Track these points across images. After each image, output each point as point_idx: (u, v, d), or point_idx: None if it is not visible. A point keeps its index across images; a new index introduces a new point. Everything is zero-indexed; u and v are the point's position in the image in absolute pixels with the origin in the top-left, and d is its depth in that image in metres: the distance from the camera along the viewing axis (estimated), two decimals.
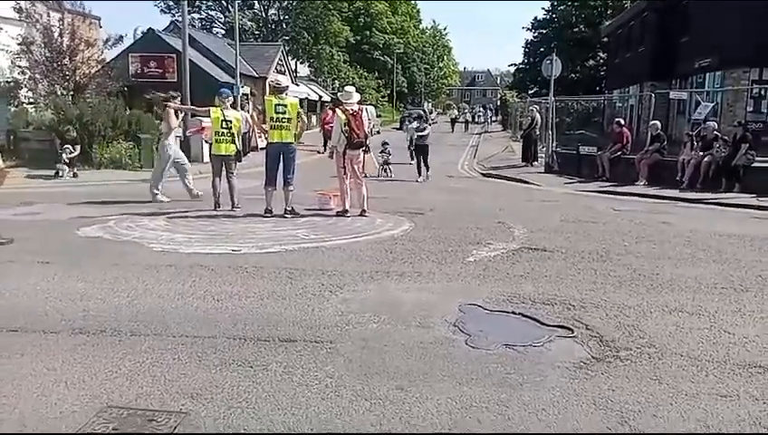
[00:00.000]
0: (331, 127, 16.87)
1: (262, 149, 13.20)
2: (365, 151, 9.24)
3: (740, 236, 7.81)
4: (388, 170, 15.55)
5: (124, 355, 3.84)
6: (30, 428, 3.01)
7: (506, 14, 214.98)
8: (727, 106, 19.66)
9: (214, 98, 9.98)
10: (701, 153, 12.68)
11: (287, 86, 9.70)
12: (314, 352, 3.91)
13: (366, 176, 9.68)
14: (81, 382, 3.48)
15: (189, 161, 17.30)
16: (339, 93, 9.88)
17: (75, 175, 14.58)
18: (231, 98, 10.02)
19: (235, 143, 9.74)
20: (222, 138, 9.63)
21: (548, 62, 18.58)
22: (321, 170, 14.16)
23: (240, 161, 10.14)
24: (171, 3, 42.74)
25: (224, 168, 9.71)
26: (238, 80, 21.45)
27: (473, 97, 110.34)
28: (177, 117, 10.79)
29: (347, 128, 8.94)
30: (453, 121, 46.57)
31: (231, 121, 9.65)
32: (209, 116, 9.77)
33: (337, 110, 9.54)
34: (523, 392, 3.40)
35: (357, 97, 9.44)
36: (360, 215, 9.03)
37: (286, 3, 45.50)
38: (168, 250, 6.83)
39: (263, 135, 11.01)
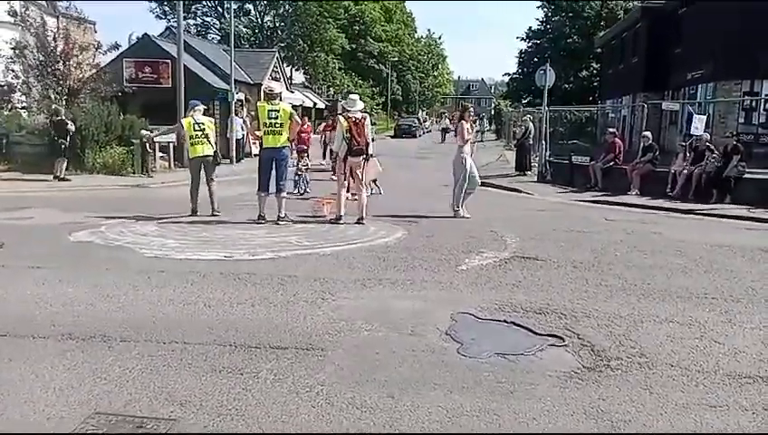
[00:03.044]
0: (308, 136, 16.95)
1: (255, 155, 13.22)
2: (366, 159, 9.26)
3: (731, 247, 7.85)
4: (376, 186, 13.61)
5: (113, 361, 3.82)
6: (17, 434, 2.98)
7: (501, 25, 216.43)
8: (719, 117, 19.77)
9: (209, 104, 10.13)
10: (692, 165, 12.77)
11: (280, 92, 9.73)
12: (305, 360, 3.90)
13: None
14: (70, 388, 3.45)
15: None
16: (343, 101, 9.96)
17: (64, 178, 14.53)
18: (201, 107, 10.17)
19: (210, 143, 9.85)
20: (197, 140, 9.77)
21: (541, 72, 18.63)
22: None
23: (218, 164, 10.22)
24: (167, 8, 42.72)
25: (203, 171, 9.74)
26: (233, 86, 21.41)
27: None
28: (472, 129, 10.27)
29: (348, 135, 8.98)
30: (444, 131, 46.09)
31: (203, 123, 9.84)
32: (183, 127, 10.05)
33: (339, 117, 9.62)
34: (514, 401, 3.39)
35: (361, 105, 9.56)
36: (357, 223, 9.02)
37: (282, 10, 45.54)
38: (160, 256, 6.80)
39: (256, 141, 11.01)
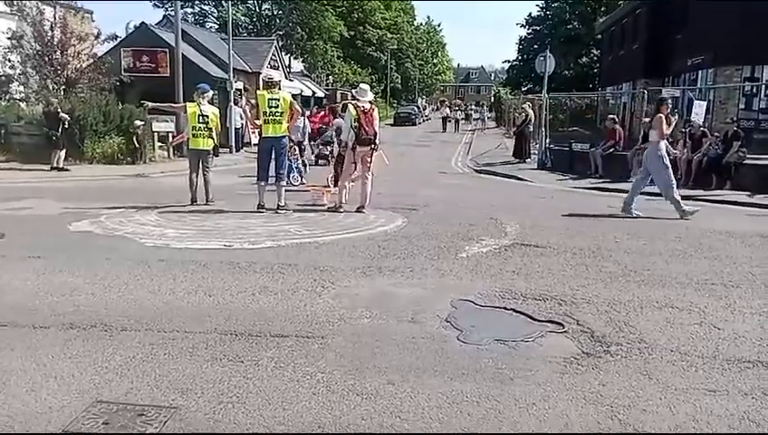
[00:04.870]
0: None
1: (255, 144, 13.14)
2: (373, 149, 9.23)
3: (731, 233, 7.85)
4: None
5: (114, 350, 3.83)
6: (19, 422, 2.99)
7: (501, 11, 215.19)
8: (720, 104, 19.73)
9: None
10: (691, 150, 12.77)
11: (279, 80, 9.69)
12: (306, 348, 3.91)
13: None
14: (71, 377, 3.46)
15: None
16: (354, 91, 9.90)
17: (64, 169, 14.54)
18: (209, 93, 9.98)
19: (212, 138, 9.76)
20: (199, 132, 9.65)
21: (541, 58, 18.59)
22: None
23: (216, 156, 10.17)
24: None
25: (200, 162, 9.71)
26: (231, 75, 21.34)
27: (467, 93, 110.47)
28: (669, 122, 9.16)
29: (356, 124, 8.96)
30: (444, 120, 45.56)
31: (208, 116, 9.67)
32: (186, 112, 9.81)
33: (348, 105, 9.59)
34: (514, 387, 3.40)
35: (371, 96, 9.55)
36: (357, 211, 9.02)
37: None
38: (160, 245, 6.80)
39: (255, 130, 10.94)
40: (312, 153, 15.87)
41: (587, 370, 3.64)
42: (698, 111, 13.77)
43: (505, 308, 4.75)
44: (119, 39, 21.13)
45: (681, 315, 4.61)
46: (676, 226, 8.45)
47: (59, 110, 14.73)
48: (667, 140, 9.23)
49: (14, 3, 17.75)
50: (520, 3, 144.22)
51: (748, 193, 11.27)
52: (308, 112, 21.72)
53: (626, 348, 3.97)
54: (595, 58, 42.97)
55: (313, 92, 41.63)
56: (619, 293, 5.15)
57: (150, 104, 10.74)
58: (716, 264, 6.22)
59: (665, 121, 8.92)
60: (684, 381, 3.50)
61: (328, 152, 15.21)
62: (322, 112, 20.24)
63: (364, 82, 13.66)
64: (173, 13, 21.28)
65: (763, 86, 19.75)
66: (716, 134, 13.00)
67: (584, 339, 4.12)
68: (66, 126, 14.72)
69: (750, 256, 6.64)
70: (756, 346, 4.03)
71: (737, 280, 5.60)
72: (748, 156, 12.35)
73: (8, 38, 17.20)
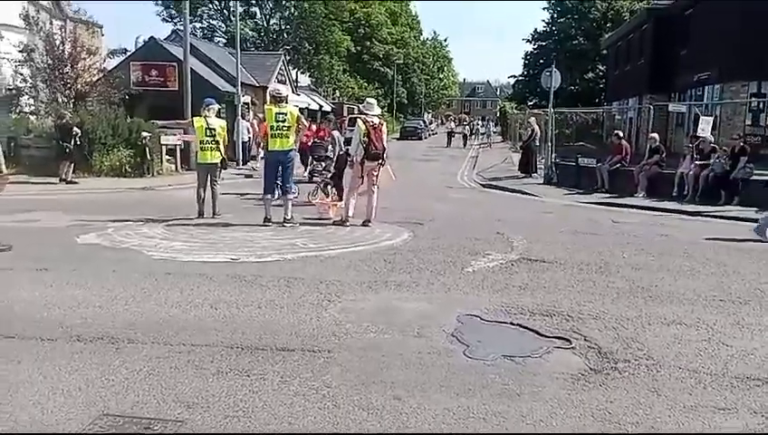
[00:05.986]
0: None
1: (262, 158, 13.10)
2: (381, 164, 9.24)
3: (739, 249, 7.81)
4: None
5: (121, 363, 3.83)
6: None
7: (507, 27, 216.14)
8: (726, 119, 19.71)
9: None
10: (700, 166, 12.74)
11: (287, 95, 9.75)
12: (312, 362, 3.90)
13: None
14: (78, 390, 3.46)
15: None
16: (361, 105, 9.91)
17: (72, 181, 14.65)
18: (215, 107, 10.07)
19: (219, 150, 9.81)
20: (207, 145, 9.71)
21: (547, 73, 18.64)
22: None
23: (225, 169, 10.19)
24: (173, 12, 42.89)
25: (209, 176, 9.77)
26: (239, 89, 21.48)
27: (473, 108, 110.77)
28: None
29: (366, 139, 8.99)
30: (449, 135, 45.07)
31: (215, 129, 9.73)
32: (194, 127, 9.89)
33: (358, 120, 9.61)
34: (520, 403, 3.38)
35: (378, 110, 9.57)
36: (363, 224, 9.02)
37: (287, 13, 45.68)
38: (167, 258, 6.82)
39: (262, 144, 10.98)
40: (306, 171, 15.34)
41: (594, 386, 3.62)
42: (705, 126, 13.75)
43: (512, 323, 4.73)
44: (128, 53, 21.37)
45: (689, 332, 4.58)
46: (684, 242, 8.41)
47: (71, 123, 14.90)
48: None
49: (30, 17, 17.92)
50: (526, 18, 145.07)
51: (756, 209, 11.19)
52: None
53: (633, 365, 3.94)
54: (601, 73, 42.99)
55: (320, 106, 41.83)
56: (626, 309, 5.12)
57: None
58: (724, 280, 6.18)
59: None
60: (692, 399, 3.48)
61: (322, 168, 14.65)
62: (321, 126, 19.31)
63: (371, 97, 13.57)
64: (182, 27, 21.51)
65: None
66: (725, 148, 12.98)
67: (591, 355, 4.10)
68: (78, 141, 14.88)
69: (758, 272, 6.61)
70: (765, 363, 4.00)
71: (745, 296, 5.57)
72: (755, 172, 12.31)
73: (19, 51, 17.41)
